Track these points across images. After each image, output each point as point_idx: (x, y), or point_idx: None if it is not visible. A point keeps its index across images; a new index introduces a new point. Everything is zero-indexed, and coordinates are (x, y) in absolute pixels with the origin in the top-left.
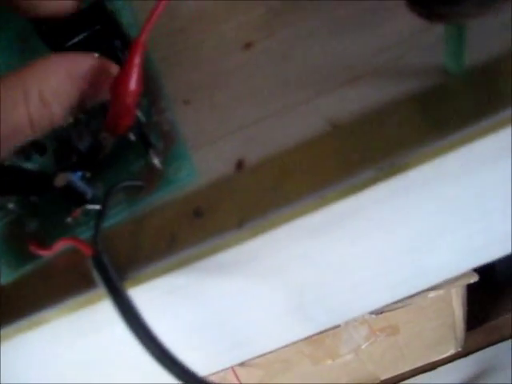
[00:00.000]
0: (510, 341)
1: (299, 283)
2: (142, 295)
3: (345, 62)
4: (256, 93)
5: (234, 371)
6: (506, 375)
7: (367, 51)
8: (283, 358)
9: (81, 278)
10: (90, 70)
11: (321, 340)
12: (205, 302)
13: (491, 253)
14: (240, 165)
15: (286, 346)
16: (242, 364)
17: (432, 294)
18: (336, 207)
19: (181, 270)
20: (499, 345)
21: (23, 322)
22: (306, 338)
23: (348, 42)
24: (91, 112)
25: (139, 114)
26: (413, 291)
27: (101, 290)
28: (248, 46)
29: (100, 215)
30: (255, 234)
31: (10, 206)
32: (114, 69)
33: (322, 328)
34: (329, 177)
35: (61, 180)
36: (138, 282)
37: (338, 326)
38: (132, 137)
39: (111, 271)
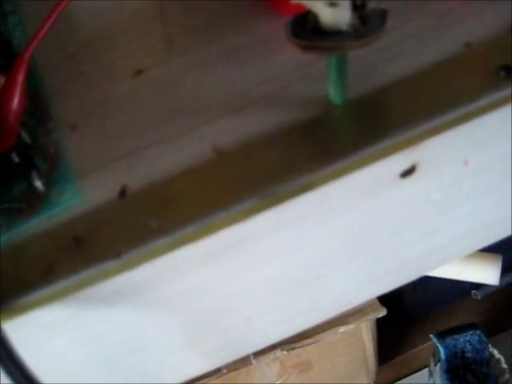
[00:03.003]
0: (419, 373)
1: (191, 316)
2: (18, 329)
3: (233, 91)
4: (143, 120)
5: None
6: None
7: (255, 81)
8: None
9: None
10: None
11: (233, 378)
12: (91, 336)
13: (389, 282)
14: (123, 192)
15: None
16: None
17: (342, 329)
18: (220, 236)
19: (60, 302)
20: (409, 377)
21: None
22: (216, 375)
23: (237, 71)
24: None
25: (24, 134)
26: (310, 324)
27: None
28: (138, 72)
29: None
30: (135, 264)
31: None
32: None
33: (222, 363)
34: (212, 205)
35: None
36: (13, 313)
37: (249, 364)
38: (15, 158)
39: None
